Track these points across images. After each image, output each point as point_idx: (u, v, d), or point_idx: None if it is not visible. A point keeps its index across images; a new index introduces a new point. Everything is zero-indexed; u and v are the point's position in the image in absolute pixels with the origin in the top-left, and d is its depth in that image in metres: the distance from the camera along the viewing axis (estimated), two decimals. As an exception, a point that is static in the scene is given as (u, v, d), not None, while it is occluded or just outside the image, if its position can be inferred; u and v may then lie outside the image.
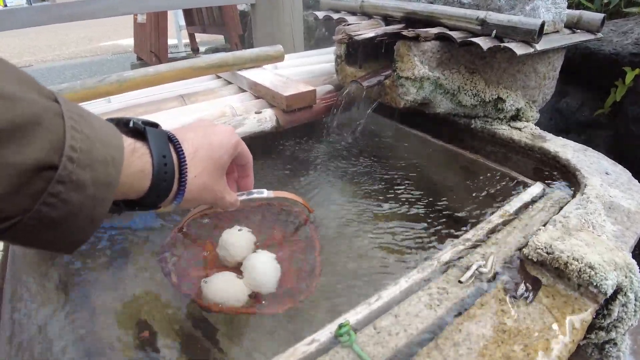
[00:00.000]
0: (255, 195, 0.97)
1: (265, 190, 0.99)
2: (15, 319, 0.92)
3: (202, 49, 5.80)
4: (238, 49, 3.87)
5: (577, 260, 0.79)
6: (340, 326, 0.67)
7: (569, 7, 2.01)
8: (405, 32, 1.25)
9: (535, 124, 1.49)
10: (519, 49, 1.18)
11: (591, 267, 0.78)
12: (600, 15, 1.60)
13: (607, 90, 1.95)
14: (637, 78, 1.82)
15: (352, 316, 0.72)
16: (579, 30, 1.62)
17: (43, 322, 0.98)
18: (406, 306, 0.74)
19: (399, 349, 0.66)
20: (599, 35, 1.63)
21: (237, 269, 0.98)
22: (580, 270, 0.78)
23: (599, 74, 1.98)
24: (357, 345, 0.65)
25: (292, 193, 1.08)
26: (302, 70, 1.83)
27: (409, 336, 0.68)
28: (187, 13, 5.14)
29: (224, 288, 0.91)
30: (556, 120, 2.16)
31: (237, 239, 1.01)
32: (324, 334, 0.68)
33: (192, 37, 5.59)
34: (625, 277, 0.81)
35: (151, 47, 3.79)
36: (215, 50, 5.74)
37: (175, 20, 6.20)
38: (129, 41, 10.02)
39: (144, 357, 0.94)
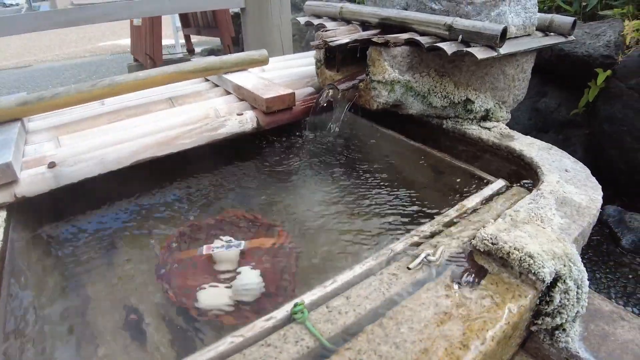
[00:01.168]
0: (233, 249, 1.13)
1: (242, 242, 1.18)
2: (13, 307, 1.01)
3: (198, 49, 5.88)
4: (230, 50, 3.96)
5: (518, 250, 0.87)
6: (295, 305, 0.75)
7: (547, 8, 2.08)
8: (375, 39, 1.33)
9: (515, 124, 1.56)
10: (481, 54, 1.26)
11: (530, 256, 0.86)
12: (571, 19, 1.67)
13: (582, 90, 2.03)
14: (609, 79, 1.90)
15: (308, 297, 0.80)
16: (551, 33, 1.68)
17: (38, 306, 1.07)
18: (358, 289, 0.82)
19: (347, 326, 0.74)
20: (571, 38, 1.70)
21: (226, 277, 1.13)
22: (520, 259, 0.86)
23: (574, 75, 2.05)
24: (309, 322, 0.73)
25: (264, 238, 1.24)
26: (287, 73, 1.91)
27: (357, 315, 0.76)
28: (183, 16, 5.22)
29: (213, 297, 1.05)
30: (535, 119, 2.24)
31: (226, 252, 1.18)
32: (281, 312, 0.76)
33: (187, 38, 5.68)
34: (564, 266, 0.89)
35: (146, 49, 3.87)
36: (211, 51, 5.82)
37: (173, 22, 6.29)
38: (127, 41, 10.11)
39: (133, 338, 1.02)
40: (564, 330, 0.99)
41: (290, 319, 0.76)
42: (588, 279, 0.94)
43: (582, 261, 0.94)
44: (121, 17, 2.54)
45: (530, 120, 2.26)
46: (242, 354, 0.69)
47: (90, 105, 1.67)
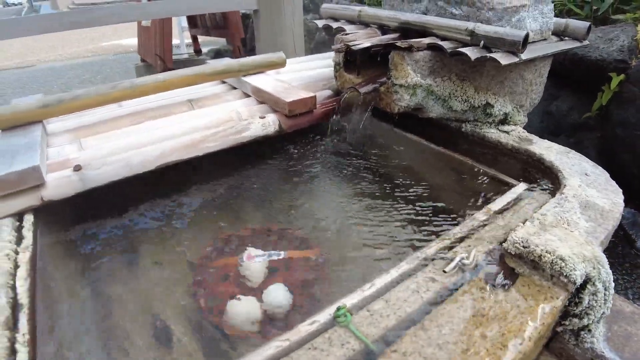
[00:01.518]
0: (274, 257, 1.16)
1: (282, 252, 1.23)
2: (50, 313, 1.02)
3: (204, 49, 5.89)
4: (240, 51, 3.97)
5: (550, 253, 0.89)
6: (338, 308, 0.77)
7: (558, 11, 2.10)
8: (398, 43, 1.34)
9: (527, 127, 1.58)
10: (504, 59, 1.27)
11: (562, 259, 0.88)
12: (586, 24, 1.69)
13: (595, 94, 2.05)
14: (622, 83, 1.92)
15: (348, 301, 0.82)
16: (566, 38, 1.70)
17: (67, 310, 1.08)
18: (396, 292, 0.84)
19: (390, 328, 0.76)
20: (585, 42, 1.72)
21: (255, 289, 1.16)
22: (552, 262, 0.88)
23: (587, 79, 2.07)
24: (353, 325, 0.74)
25: (302, 252, 1.28)
26: (302, 76, 1.93)
27: (398, 318, 0.78)
28: (190, 16, 5.21)
29: (242, 312, 1.09)
30: (547, 122, 2.26)
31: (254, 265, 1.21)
32: (324, 315, 0.78)
33: (194, 39, 5.68)
34: (594, 268, 0.90)
35: (156, 50, 3.88)
36: (218, 51, 5.83)
37: (179, 22, 6.29)
38: (129, 41, 10.12)
39: (161, 344, 1.04)
40: (590, 330, 1.01)
41: (333, 323, 0.77)
42: (610, 281, 0.96)
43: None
44: (134, 18, 2.56)
45: (542, 123, 2.29)
46: (290, 358, 0.70)
47: (108, 107, 1.67)
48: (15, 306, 0.86)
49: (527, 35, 1.28)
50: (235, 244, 1.35)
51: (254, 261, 1.21)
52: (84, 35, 11.25)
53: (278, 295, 1.10)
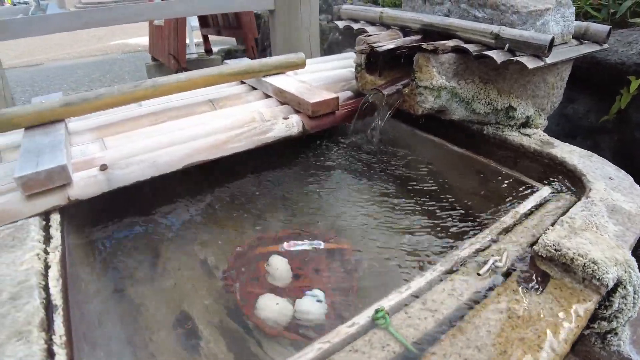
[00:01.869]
0: (314, 246, 1.20)
1: (322, 242, 1.27)
2: (81, 313, 1.03)
3: (214, 49, 5.90)
4: (254, 52, 3.98)
5: (582, 257, 0.89)
6: (377, 311, 0.77)
7: (575, 15, 2.10)
8: (424, 45, 1.35)
9: (543, 130, 1.58)
10: (530, 63, 1.28)
11: (594, 263, 0.88)
12: (607, 27, 1.69)
13: (613, 97, 2.04)
14: (641, 87, 1.91)
15: (386, 302, 0.82)
16: (586, 41, 1.71)
17: (99, 312, 1.09)
18: (432, 294, 0.84)
19: (428, 331, 0.76)
20: (605, 46, 1.73)
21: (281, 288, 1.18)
22: (584, 265, 0.89)
23: (605, 82, 2.07)
24: (392, 328, 0.75)
25: (339, 243, 1.30)
26: (321, 76, 1.93)
27: (436, 320, 0.78)
28: (202, 15, 5.21)
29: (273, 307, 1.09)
30: (563, 125, 2.26)
31: (280, 264, 1.23)
32: (363, 317, 0.79)
33: (205, 38, 5.68)
34: (625, 272, 0.91)
35: (170, 49, 3.89)
36: (228, 51, 5.84)
37: (188, 22, 6.31)
38: (137, 40, 10.16)
39: (187, 344, 1.04)
40: (616, 333, 1.02)
41: (372, 325, 0.78)
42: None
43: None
44: (152, 17, 2.58)
45: (557, 126, 2.28)
46: None
47: (128, 107, 1.67)
48: (49, 307, 0.87)
49: (552, 39, 1.28)
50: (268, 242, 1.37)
51: (294, 248, 1.23)
52: (91, 34, 11.29)
53: (311, 307, 1.10)
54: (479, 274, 0.89)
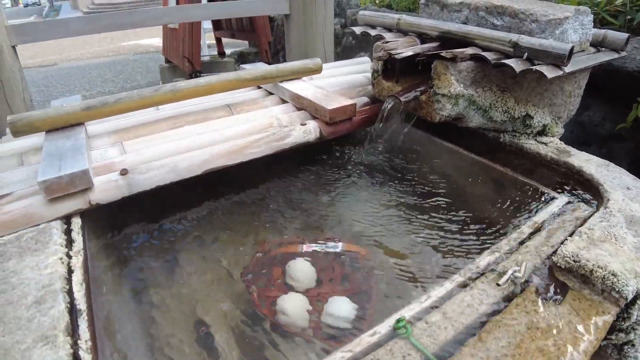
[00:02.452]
0: (331, 248, 1.22)
1: (340, 244, 1.29)
2: (101, 317, 1.04)
3: (227, 51, 5.94)
4: (268, 55, 4.00)
5: (602, 268, 0.90)
6: (398, 320, 0.78)
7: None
8: (443, 53, 1.35)
9: (559, 138, 1.58)
10: (550, 72, 1.28)
11: (614, 275, 0.88)
12: (625, 35, 1.68)
13: (630, 105, 2.03)
14: (658, 95, 1.90)
15: (406, 312, 0.83)
16: (603, 49, 1.70)
17: (118, 316, 1.11)
18: (452, 304, 0.85)
19: (448, 341, 0.77)
20: (623, 53, 1.72)
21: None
22: (604, 277, 0.89)
23: (621, 90, 2.06)
24: (413, 337, 0.76)
25: (357, 246, 1.32)
26: (338, 81, 1.94)
27: (456, 330, 0.79)
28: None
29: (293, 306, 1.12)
30: (578, 132, 2.25)
31: (301, 269, 1.25)
32: (384, 327, 0.80)
33: (219, 41, 5.72)
34: (645, 285, 0.91)
35: (184, 52, 3.93)
36: (241, 54, 5.88)
37: (201, 24, 6.35)
38: (149, 41, 10.25)
39: (203, 351, 1.06)
40: (633, 345, 1.02)
41: (393, 334, 0.79)
42: None
43: None
44: (168, 21, 2.61)
45: (572, 134, 2.28)
46: (354, 368, 0.72)
47: (145, 110, 1.69)
48: (73, 312, 0.88)
49: (572, 49, 1.28)
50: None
51: (313, 248, 1.26)
52: (104, 35, 11.41)
53: (342, 307, 1.11)
54: (498, 284, 0.90)
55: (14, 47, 2.30)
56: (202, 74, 3.97)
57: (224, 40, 6.08)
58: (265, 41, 4.10)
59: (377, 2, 3.79)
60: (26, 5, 28.37)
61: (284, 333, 1.07)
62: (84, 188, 1.19)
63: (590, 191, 1.32)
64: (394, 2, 3.56)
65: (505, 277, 0.91)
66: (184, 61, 3.92)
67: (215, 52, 5.87)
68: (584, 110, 2.24)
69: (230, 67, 5.17)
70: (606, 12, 2.43)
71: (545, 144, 1.52)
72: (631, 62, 1.98)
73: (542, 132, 1.56)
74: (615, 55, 1.70)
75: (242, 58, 5.84)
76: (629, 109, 2.03)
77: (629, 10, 2.37)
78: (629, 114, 2.03)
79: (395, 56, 1.45)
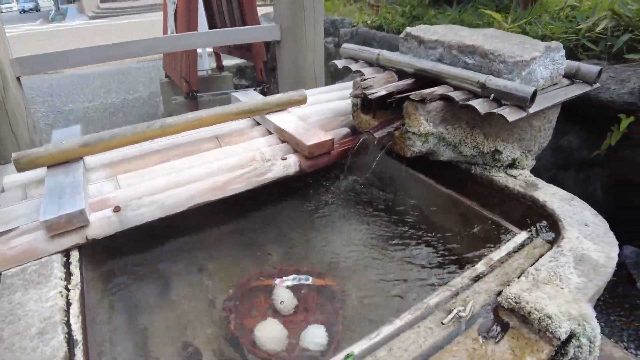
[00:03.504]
0: (302, 282, 1.38)
1: (310, 277, 1.41)
2: (97, 342, 1.15)
3: (225, 64, 6.05)
4: (263, 75, 4.13)
5: (538, 311, 0.99)
6: (347, 356, 0.88)
7: (573, 46, 2.16)
8: (412, 95, 1.44)
9: (538, 160, 1.65)
10: (511, 116, 1.36)
11: (549, 317, 0.97)
12: (597, 68, 1.75)
13: (605, 132, 2.11)
14: (632, 125, 1.98)
15: (357, 347, 0.93)
16: (577, 80, 1.77)
17: (111, 341, 1.22)
18: (398, 341, 0.95)
19: (390, 377, 0.87)
20: (596, 86, 1.78)
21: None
22: (540, 319, 0.98)
23: (597, 118, 2.14)
24: (358, 374, 0.85)
25: (325, 280, 1.43)
26: (323, 109, 2.04)
27: (399, 367, 0.89)
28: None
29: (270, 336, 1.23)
30: (557, 157, 2.33)
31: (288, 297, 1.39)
32: (335, 362, 0.89)
33: (217, 56, 5.84)
34: (579, 325, 0.99)
35: (182, 72, 4.05)
36: (239, 68, 6.00)
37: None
38: (153, 49, 10.35)
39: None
40: (574, 378, 1.10)
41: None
42: (602, 323, 1.05)
43: (597, 302, 1.04)
44: (167, 50, 2.73)
45: (552, 157, 2.36)
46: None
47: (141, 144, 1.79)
48: (70, 342, 1.00)
49: (535, 92, 1.35)
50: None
51: (285, 283, 1.37)
52: (108, 41, 11.55)
53: (317, 334, 1.22)
54: (442, 323, 0.99)
55: (18, 79, 2.43)
56: (198, 93, 4.11)
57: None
58: (261, 61, 4.23)
59: (369, 22, 3.88)
60: (22, 12, 28.22)
61: (262, 356, 1.18)
62: (81, 225, 1.31)
63: (550, 227, 1.40)
64: (385, 24, 3.65)
65: (449, 316, 1.00)
66: (181, 81, 4.05)
67: (215, 66, 5.98)
68: (563, 135, 2.33)
69: (229, 82, 5.30)
70: (587, 38, 2.51)
71: (515, 177, 1.60)
72: (605, 92, 2.06)
73: (512, 165, 1.64)
74: (588, 88, 1.76)
75: (240, 72, 5.97)
76: (605, 136, 2.11)
77: (610, 36, 2.44)
78: (603, 142, 2.11)
79: (369, 96, 1.55)
